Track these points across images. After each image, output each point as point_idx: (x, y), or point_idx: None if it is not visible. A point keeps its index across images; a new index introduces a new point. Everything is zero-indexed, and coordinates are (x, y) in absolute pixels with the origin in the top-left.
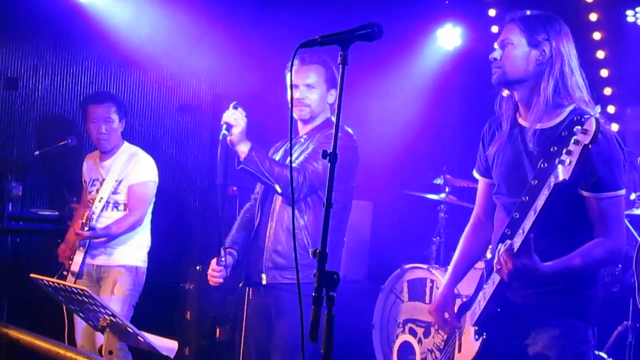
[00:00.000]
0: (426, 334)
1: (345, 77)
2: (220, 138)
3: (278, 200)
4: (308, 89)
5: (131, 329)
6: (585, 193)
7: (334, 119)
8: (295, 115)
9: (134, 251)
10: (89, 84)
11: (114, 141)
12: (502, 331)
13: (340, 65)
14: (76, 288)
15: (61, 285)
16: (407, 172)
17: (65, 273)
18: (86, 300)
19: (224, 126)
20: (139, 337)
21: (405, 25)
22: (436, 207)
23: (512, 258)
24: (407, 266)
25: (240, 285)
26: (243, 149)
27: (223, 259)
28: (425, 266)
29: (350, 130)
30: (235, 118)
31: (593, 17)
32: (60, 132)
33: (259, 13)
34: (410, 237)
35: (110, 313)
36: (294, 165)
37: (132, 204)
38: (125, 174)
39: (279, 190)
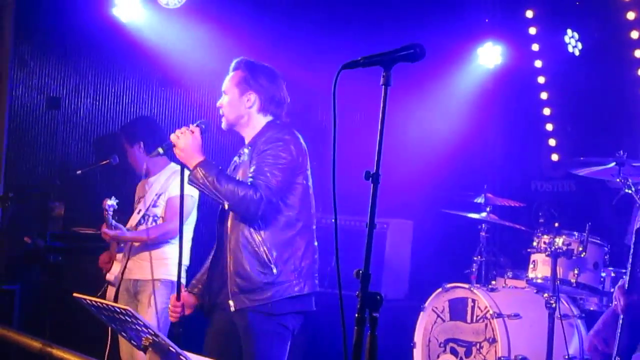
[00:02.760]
0: (468, 353)
1: (388, 97)
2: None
3: (230, 220)
4: (223, 95)
5: (173, 348)
6: None
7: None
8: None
9: (170, 266)
10: (130, 103)
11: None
12: None
13: (383, 86)
14: (119, 307)
15: (104, 305)
16: (448, 191)
17: (105, 287)
18: (129, 319)
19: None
20: (181, 357)
21: (446, 43)
22: (477, 226)
23: (624, 295)
24: (448, 285)
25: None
26: (191, 162)
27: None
28: (466, 285)
29: (296, 134)
30: (177, 136)
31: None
32: (102, 152)
33: (299, 33)
34: (451, 256)
35: (152, 332)
36: (248, 180)
37: (168, 214)
38: (165, 188)
39: (226, 206)
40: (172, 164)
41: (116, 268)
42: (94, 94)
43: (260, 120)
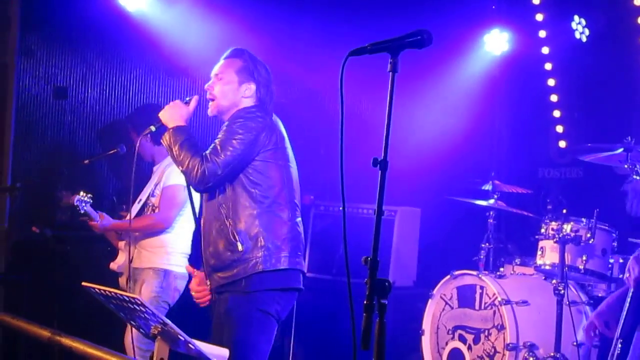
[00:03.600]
0: (476, 340)
1: (395, 84)
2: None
3: (204, 201)
4: (216, 80)
5: (182, 336)
6: None
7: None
8: (208, 112)
9: (163, 255)
10: (137, 92)
11: (149, 154)
12: None
13: (390, 73)
14: (127, 296)
15: (112, 293)
16: (456, 178)
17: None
18: (137, 308)
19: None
20: (189, 345)
21: (453, 30)
22: (485, 213)
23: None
24: (457, 272)
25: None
26: (169, 124)
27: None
28: (474, 272)
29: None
30: (167, 106)
31: None
32: (110, 141)
33: (306, 21)
34: (459, 243)
35: (161, 321)
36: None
37: (160, 204)
38: (162, 177)
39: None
40: None
41: (121, 257)
42: (101, 83)
43: (241, 107)
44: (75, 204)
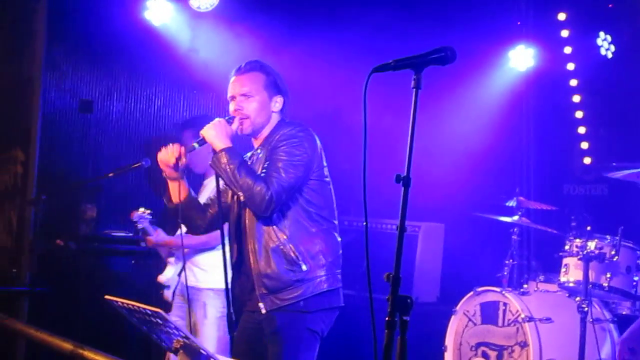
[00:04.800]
0: (499, 357)
1: (418, 100)
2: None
3: (248, 219)
4: (245, 98)
5: (204, 351)
6: None
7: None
8: (237, 131)
9: (220, 273)
10: (162, 106)
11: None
12: None
13: (414, 89)
14: (150, 310)
15: (135, 307)
16: (480, 194)
17: (162, 291)
18: (160, 322)
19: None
20: (211, 359)
21: (478, 46)
22: (509, 230)
23: None
24: (480, 289)
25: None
26: (217, 146)
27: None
28: (498, 289)
29: (310, 131)
30: (211, 124)
31: None
32: (134, 154)
33: (330, 36)
34: (483, 259)
35: (183, 335)
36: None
37: None
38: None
39: (242, 198)
40: None
41: (170, 271)
42: (126, 97)
43: (273, 122)
44: (134, 219)
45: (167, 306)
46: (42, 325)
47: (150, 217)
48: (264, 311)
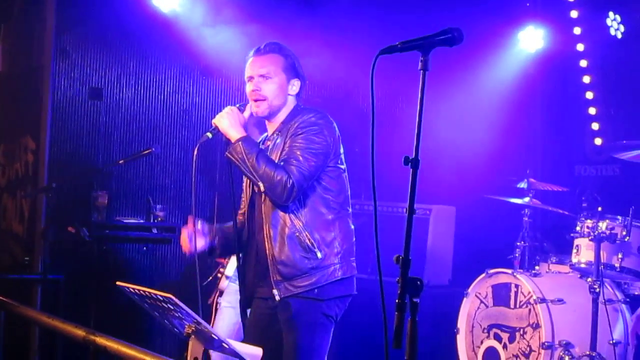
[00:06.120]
0: (511, 339)
1: (426, 82)
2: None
3: (265, 206)
4: (263, 79)
5: (216, 335)
6: None
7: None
8: (253, 112)
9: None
10: (172, 92)
11: None
12: None
13: (421, 71)
14: (161, 295)
15: (147, 293)
16: (490, 177)
17: (219, 275)
18: (172, 307)
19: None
20: (223, 344)
21: (487, 27)
22: (520, 211)
23: None
24: (492, 271)
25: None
26: (232, 136)
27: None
28: (509, 271)
29: (329, 118)
30: (223, 112)
31: None
32: (145, 141)
33: (340, 19)
34: (494, 241)
35: (195, 320)
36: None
37: None
38: None
39: (262, 188)
40: None
41: (233, 264)
42: (135, 84)
43: (289, 106)
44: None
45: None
46: (55, 312)
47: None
48: (278, 298)
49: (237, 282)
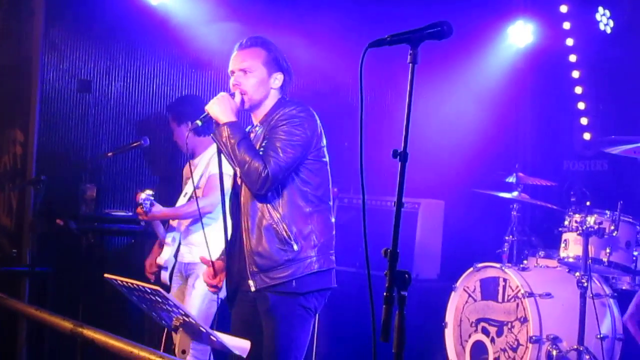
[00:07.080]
0: (499, 333)
1: (415, 75)
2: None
3: (244, 197)
4: (243, 74)
5: (204, 328)
6: None
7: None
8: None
9: (215, 248)
10: (161, 85)
11: (191, 147)
12: None
13: (410, 64)
14: (150, 288)
15: (135, 285)
16: (479, 171)
17: (159, 271)
18: (159, 300)
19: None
20: (211, 337)
21: (476, 22)
22: (509, 206)
23: None
24: (480, 265)
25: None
26: (221, 119)
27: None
28: (498, 265)
29: (311, 111)
30: (215, 99)
31: None
32: (133, 133)
33: (329, 12)
34: (483, 235)
35: (183, 313)
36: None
37: (206, 190)
38: (207, 167)
39: (238, 173)
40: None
41: (167, 252)
42: (124, 76)
43: (273, 99)
44: (140, 202)
45: (165, 288)
46: (42, 305)
47: (153, 197)
48: (253, 289)
49: (174, 274)
